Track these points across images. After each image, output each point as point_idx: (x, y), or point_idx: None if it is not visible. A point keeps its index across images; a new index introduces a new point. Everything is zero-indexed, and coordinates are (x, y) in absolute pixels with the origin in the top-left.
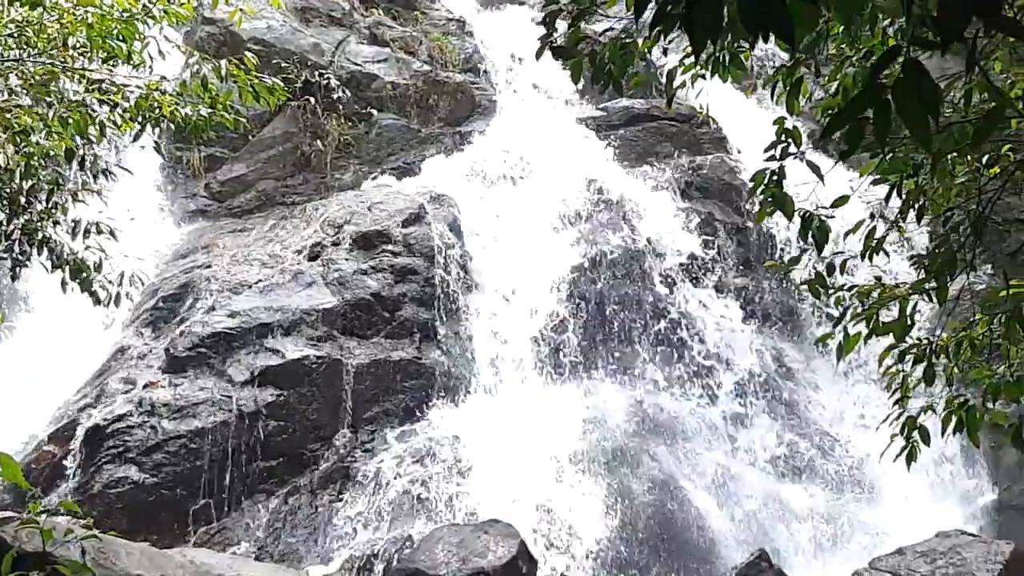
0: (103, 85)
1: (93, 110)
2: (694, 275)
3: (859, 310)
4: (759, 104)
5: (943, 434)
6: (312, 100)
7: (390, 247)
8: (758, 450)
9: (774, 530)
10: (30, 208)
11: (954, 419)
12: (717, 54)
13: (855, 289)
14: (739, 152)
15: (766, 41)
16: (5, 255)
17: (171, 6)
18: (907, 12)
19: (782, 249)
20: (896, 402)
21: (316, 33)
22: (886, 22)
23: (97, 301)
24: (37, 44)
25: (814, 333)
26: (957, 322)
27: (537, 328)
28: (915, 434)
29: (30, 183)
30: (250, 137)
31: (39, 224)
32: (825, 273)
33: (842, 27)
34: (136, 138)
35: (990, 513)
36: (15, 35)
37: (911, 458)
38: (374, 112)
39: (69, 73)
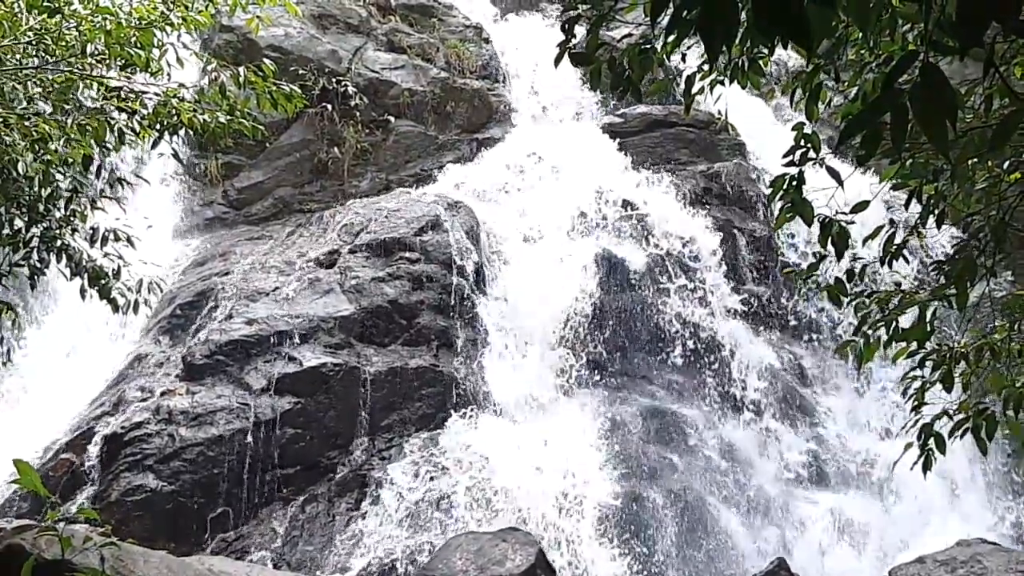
0: (121, 92)
1: (111, 117)
2: (712, 282)
3: (878, 316)
4: (776, 114)
5: (950, 435)
6: (329, 107)
7: (407, 254)
8: (777, 459)
9: (793, 539)
10: (49, 215)
11: (970, 423)
12: (736, 60)
13: (874, 295)
14: (757, 159)
15: (785, 47)
16: (24, 262)
17: (189, 14)
18: (925, 17)
19: (801, 255)
20: (913, 409)
21: (333, 40)
22: (906, 27)
23: (116, 308)
24: (56, 52)
25: (836, 339)
26: (977, 329)
27: (555, 336)
28: (931, 442)
29: (49, 190)
30: (267, 144)
31: (58, 231)
32: (845, 279)
33: (861, 32)
34: (154, 145)
35: (1011, 521)
36: (34, 43)
37: (927, 466)
38: (391, 119)
39: (87, 81)
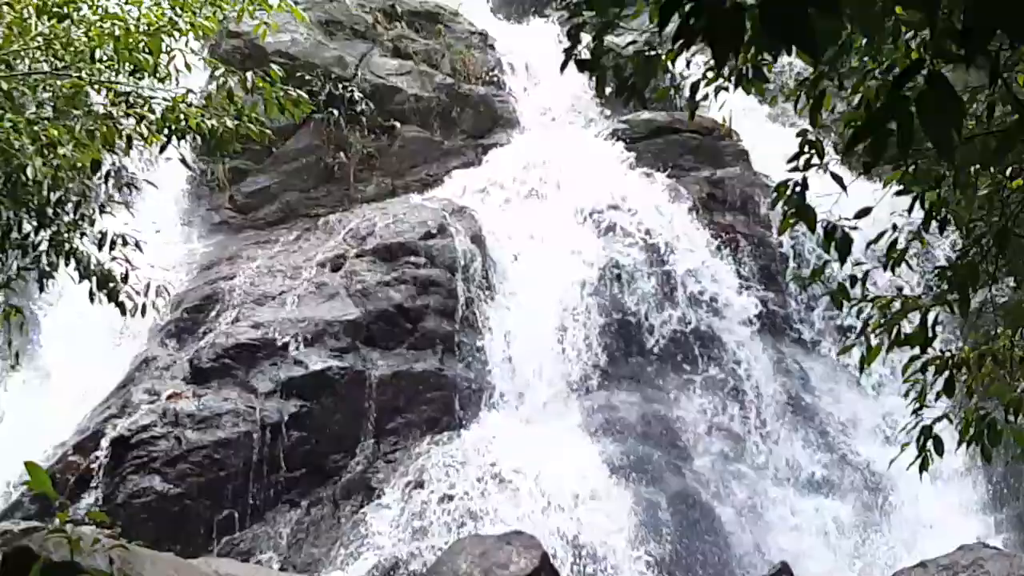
0: (130, 98)
1: (120, 123)
2: (715, 288)
3: (880, 321)
4: (774, 120)
5: (958, 447)
6: (336, 113)
7: (413, 259)
8: (779, 463)
9: (795, 544)
10: (58, 220)
11: (971, 431)
12: (740, 67)
13: (877, 300)
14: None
15: (789, 54)
16: (33, 266)
17: (197, 19)
18: (931, 25)
19: (801, 261)
20: (914, 412)
21: (340, 46)
22: (908, 35)
23: (124, 311)
24: (65, 57)
25: (837, 344)
26: (979, 335)
27: (558, 340)
28: (929, 444)
29: (58, 195)
30: (274, 150)
31: (67, 235)
32: (848, 284)
33: (865, 40)
34: (162, 150)
35: (1012, 526)
36: (43, 48)
37: (924, 467)
38: (397, 125)
39: (96, 86)
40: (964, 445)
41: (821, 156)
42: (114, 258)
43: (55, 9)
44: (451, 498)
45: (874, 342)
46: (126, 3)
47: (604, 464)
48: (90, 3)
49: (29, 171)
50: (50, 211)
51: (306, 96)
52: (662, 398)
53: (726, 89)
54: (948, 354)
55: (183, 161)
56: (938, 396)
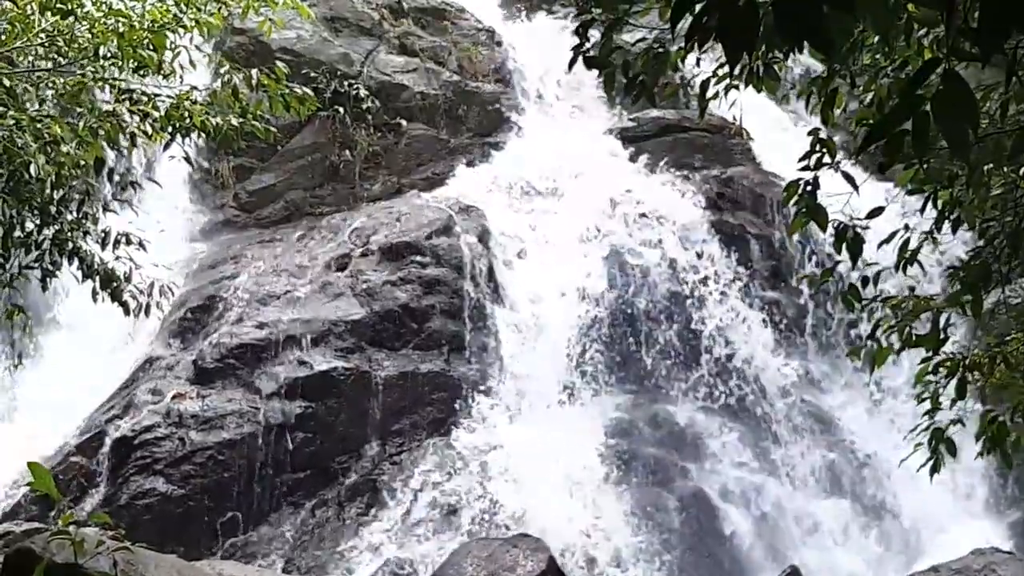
0: (134, 95)
1: (124, 120)
2: (724, 288)
3: (891, 322)
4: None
5: (978, 455)
6: (341, 110)
7: (419, 258)
8: (788, 466)
9: (806, 547)
10: (61, 218)
11: (987, 436)
12: (751, 64)
13: (888, 300)
14: (760, 163)
15: (801, 52)
16: (36, 264)
17: (202, 16)
18: (947, 25)
19: (813, 261)
20: (926, 413)
21: (345, 43)
22: (921, 32)
23: (127, 311)
24: (68, 54)
25: (846, 345)
26: (992, 336)
27: (565, 340)
28: (941, 446)
29: (61, 193)
30: (279, 148)
31: (70, 234)
32: (859, 285)
33: (877, 37)
34: (166, 148)
35: (1017, 528)
36: (46, 45)
37: (935, 469)
38: (403, 122)
39: (100, 83)
40: (985, 452)
41: (832, 155)
42: (118, 257)
43: (58, 5)
44: (457, 500)
45: (885, 344)
46: None
47: (614, 464)
48: None
49: (32, 169)
50: (53, 209)
51: (311, 93)
52: (675, 399)
53: (736, 87)
54: (959, 356)
55: (187, 159)
56: (953, 403)
